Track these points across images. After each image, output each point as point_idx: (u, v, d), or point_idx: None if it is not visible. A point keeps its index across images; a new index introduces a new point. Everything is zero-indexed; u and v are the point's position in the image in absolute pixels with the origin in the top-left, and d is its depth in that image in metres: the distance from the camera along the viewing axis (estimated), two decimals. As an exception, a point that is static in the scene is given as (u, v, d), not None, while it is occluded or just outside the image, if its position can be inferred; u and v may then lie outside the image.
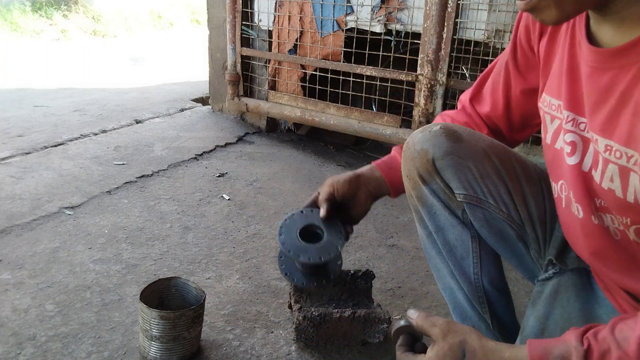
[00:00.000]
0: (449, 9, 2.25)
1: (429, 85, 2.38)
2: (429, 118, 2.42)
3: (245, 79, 3.07)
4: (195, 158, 2.63)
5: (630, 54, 0.70)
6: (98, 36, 7.25)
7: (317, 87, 2.79)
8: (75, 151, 2.60)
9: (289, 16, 2.79)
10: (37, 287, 1.50)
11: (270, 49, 2.95)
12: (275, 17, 2.85)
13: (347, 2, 2.59)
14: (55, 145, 2.66)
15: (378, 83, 2.59)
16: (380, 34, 2.53)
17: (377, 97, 2.67)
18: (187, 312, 1.19)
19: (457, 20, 2.26)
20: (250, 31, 2.98)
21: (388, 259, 1.80)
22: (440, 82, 2.36)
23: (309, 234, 1.17)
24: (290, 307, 1.41)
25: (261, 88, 3.06)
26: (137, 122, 3.16)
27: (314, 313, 1.26)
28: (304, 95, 2.89)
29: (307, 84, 2.85)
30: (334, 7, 2.63)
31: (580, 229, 0.89)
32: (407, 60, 2.45)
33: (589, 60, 0.78)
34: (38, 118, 3.16)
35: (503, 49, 1.08)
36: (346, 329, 1.29)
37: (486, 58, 2.25)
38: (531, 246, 1.03)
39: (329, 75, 2.72)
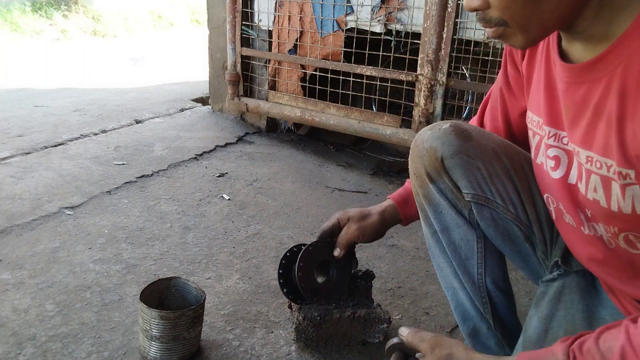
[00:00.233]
0: (449, 9, 2.25)
1: (429, 85, 2.38)
2: (429, 118, 2.42)
3: (245, 79, 3.07)
4: (195, 158, 2.63)
5: (598, 68, 0.74)
6: (98, 36, 7.25)
7: (317, 87, 2.79)
8: (75, 151, 2.60)
9: (289, 16, 2.79)
10: (37, 287, 1.50)
11: (270, 49, 2.95)
12: (275, 17, 2.85)
13: (347, 2, 2.59)
14: (55, 145, 2.66)
15: (378, 83, 2.59)
16: (380, 34, 2.53)
17: (377, 97, 2.67)
18: (187, 312, 1.18)
19: (457, 20, 2.26)
20: (250, 31, 2.98)
21: (388, 259, 1.80)
22: (440, 82, 2.36)
23: (319, 264, 1.27)
24: (290, 307, 1.41)
25: (261, 88, 3.06)
26: (137, 122, 3.16)
27: (314, 313, 1.26)
28: (304, 95, 2.89)
29: (307, 84, 2.85)
30: (334, 7, 2.63)
31: (576, 238, 0.90)
32: (407, 60, 2.45)
33: (563, 76, 0.81)
34: (38, 118, 3.16)
35: (503, 49, 1.08)
36: (346, 329, 1.29)
37: (486, 58, 2.25)
38: (538, 247, 1.03)
39: (329, 75, 2.72)
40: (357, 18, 2.58)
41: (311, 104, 2.83)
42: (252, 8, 2.92)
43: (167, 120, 3.24)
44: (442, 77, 2.35)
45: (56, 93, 3.94)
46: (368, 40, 2.57)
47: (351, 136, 2.90)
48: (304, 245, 1.27)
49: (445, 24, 2.27)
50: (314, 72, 2.83)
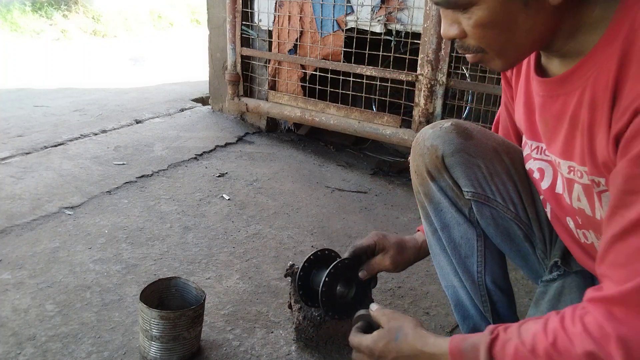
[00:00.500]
0: (449, 9, 2.25)
1: (429, 85, 2.38)
2: (428, 118, 2.42)
3: (245, 79, 3.07)
4: (195, 158, 2.63)
5: (571, 81, 0.76)
6: (98, 36, 7.25)
7: (317, 87, 2.79)
8: (75, 151, 2.60)
9: (289, 16, 2.79)
10: (37, 287, 1.50)
11: (270, 49, 2.95)
12: (275, 17, 2.85)
13: (347, 2, 2.59)
14: (55, 145, 2.66)
15: (378, 83, 2.59)
16: (380, 34, 2.53)
17: (377, 97, 2.67)
18: (187, 312, 1.19)
19: (457, 20, 2.26)
20: (250, 31, 2.98)
21: (388, 259, 1.80)
22: (440, 82, 2.36)
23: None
24: (290, 307, 1.41)
25: (261, 88, 3.06)
26: (137, 122, 3.16)
27: (314, 313, 1.26)
28: (304, 95, 2.89)
29: (307, 84, 2.85)
30: (334, 7, 2.63)
31: (572, 241, 0.92)
32: (407, 60, 2.45)
33: (539, 90, 0.84)
34: (38, 118, 3.16)
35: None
36: (346, 329, 1.28)
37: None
38: (537, 246, 1.03)
39: (329, 75, 2.72)
40: (357, 18, 2.58)
41: (311, 104, 2.83)
42: (252, 8, 2.92)
43: (167, 120, 3.24)
44: (442, 77, 2.35)
45: (56, 93, 3.95)
46: (368, 40, 2.57)
47: (351, 136, 2.90)
48: (328, 250, 1.24)
49: (445, 24, 2.27)
50: (314, 72, 2.83)
